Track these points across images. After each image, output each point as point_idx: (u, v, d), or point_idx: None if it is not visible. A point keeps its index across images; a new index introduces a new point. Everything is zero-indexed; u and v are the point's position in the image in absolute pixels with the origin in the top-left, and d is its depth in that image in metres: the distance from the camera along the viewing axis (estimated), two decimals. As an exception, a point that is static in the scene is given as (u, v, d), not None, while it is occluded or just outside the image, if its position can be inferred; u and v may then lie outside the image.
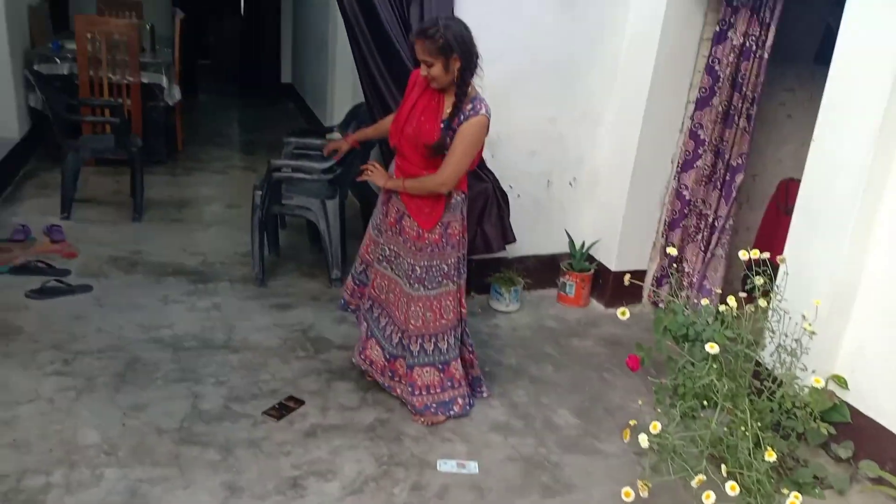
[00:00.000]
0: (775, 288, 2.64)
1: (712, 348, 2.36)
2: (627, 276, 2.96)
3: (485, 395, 3.19)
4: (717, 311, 2.71)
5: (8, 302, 3.62)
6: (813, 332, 2.58)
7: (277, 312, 3.85)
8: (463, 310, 3.04)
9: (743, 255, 2.62)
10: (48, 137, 5.86)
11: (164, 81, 5.89)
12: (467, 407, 3.06)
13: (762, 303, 2.62)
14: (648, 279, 4.25)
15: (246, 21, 9.75)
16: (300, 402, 3.04)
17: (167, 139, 6.25)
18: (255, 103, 9.18)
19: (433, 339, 2.97)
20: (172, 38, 6.79)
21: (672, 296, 4.09)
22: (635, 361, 2.57)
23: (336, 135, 4.94)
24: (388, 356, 3.07)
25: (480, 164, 3.76)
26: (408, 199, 2.85)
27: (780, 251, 3.76)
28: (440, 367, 3.00)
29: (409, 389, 2.99)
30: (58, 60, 5.65)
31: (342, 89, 6.03)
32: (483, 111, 2.70)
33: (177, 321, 3.64)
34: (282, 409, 2.98)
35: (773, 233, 4.17)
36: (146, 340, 3.43)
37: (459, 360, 3.05)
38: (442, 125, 2.72)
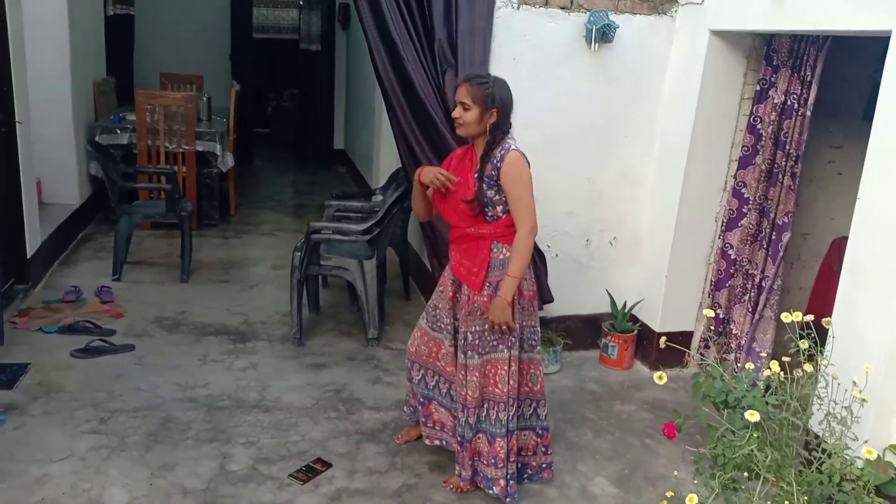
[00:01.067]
0: (822, 352, 2.48)
1: (752, 416, 2.22)
2: (663, 339, 2.83)
3: (545, 478, 3.00)
4: (765, 377, 2.55)
5: (54, 361, 3.71)
6: (864, 400, 2.41)
7: (312, 372, 3.84)
8: (537, 387, 2.91)
9: (786, 317, 2.49)
10: (106, 204, 6.14)
11: (218, 149, 6.11)
12: (508, 494, 2.80)
13: (808, 368, 2.47)
14: (695, 340, 4.09)
15: (302, 92, 10.12)
16: (327, 465, 2.99)
17: (220, 204, 6.44)
18: (308, 168, 9.43)
19: (485, 406, 2.83)
20: (228, 109, 7.09)
21: (717, 359, 3.95)
22: (671, 429, 2.44)
23: (379, 197, 5.01)
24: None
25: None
26: (457, 265, 2.81)
27: (832, 311, 3.59)
28: (490, 438, 2.83)
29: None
30: (118, 131, 5.94)
31: (387, 155, 6.14)
32: (513, 147, 2.70)
33: (213, 380, 3.66)
34: (308, 472, 2.93)
35: (827, 293, 3.97)
36: (181, 399, 3.45)
37: (510, 440, 2.82)
38: (475, 176, 2.71)
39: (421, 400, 3.02)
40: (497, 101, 2.67)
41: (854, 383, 2.48)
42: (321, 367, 3.91)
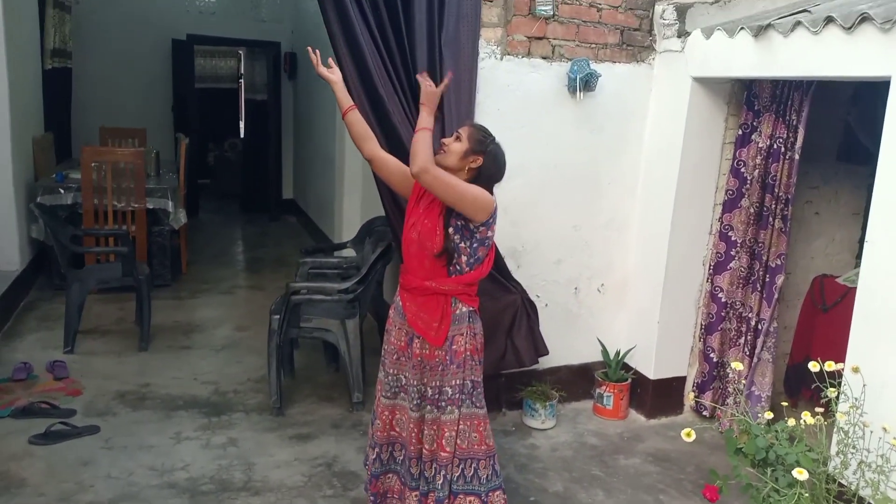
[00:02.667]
0: (853, 400, 2.43)
1: (801, 474, 2.14)
2: (692, 395, 2.75)
3: None
4: (788, 427, 2.48)
5: (11, 450, 3.36)
6: (900, 447, 2.36)
7: (298, 444, 3.59)
8: (478, 447, 2.75)
9: (814, 366, 2.43)
10: (50, 268, 5.74)
11: (170, 206, 5.82)
12: None
13: (840, 417, 2.42)
14: (688, 386, 4.04)
15: (247, 142, 9.89)
16: (335, 552, 2.76)
17: (172, 262, 6.12)
18: (256, 220, 9.16)
19: (473, 465, 2.70)
20: (176, 163, 6.80)
21: (715, 403, 3.91)
22: (714, 492, 2.33)
23: (350, 251, 4.84)
24: (420, 494, 2.75)
25: (507, 274, 3.64)
26: (413, 318, 2.66)
27: (820, 350, 3.59)
28: (483, 497, 2.71)
29: None
30: (62, 191, 5.59)
31: (350, 205, 5.98)
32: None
33: (191, 461, 3.37)
34: (316, 562, 2.69)
35: (811, 331, 4.01)
36: (159, 486, 3.16)
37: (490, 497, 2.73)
38: (443, 215, 2.58)
39: (372, 478, 2.85)
40: (487, 153, 2.61)
41: (885, 430, 2.44)
42: (306, 437, 3.66)
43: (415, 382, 2.69)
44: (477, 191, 2.55)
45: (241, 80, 11.08)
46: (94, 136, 7.23)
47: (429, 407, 2.67)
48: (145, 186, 5.66)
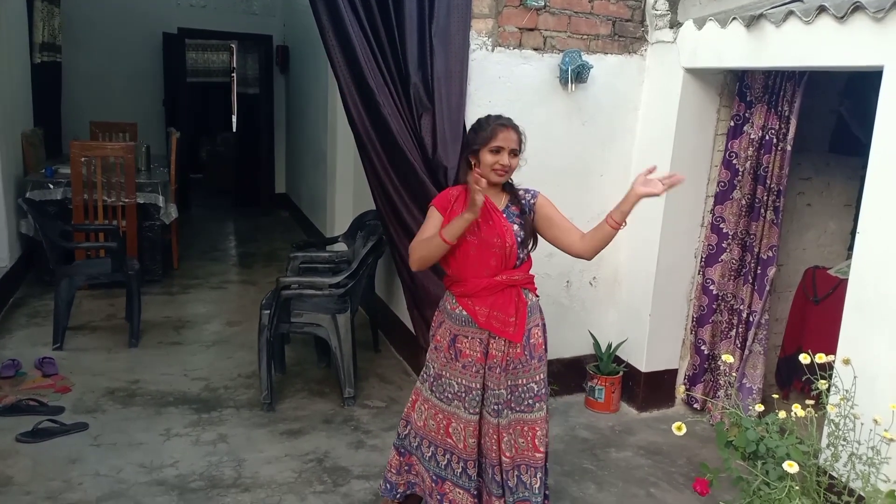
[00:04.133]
0: (844, 392, 2.42)
1: (791, 467, 2.13)
2: (682, 388, 2.73)
3: None
4: (779, 419, 2.47)
5: (-3, 448, 3.33)
6: (892, 439, 2.35)
7: (289, 440, 3.56)
8: (538, 454, 2.65)
9: (805, 358, 2.42)
10: (39, 264, 5.70)
11: (161, 201, 5.78)
12: None
13: (831, 409, 2.40)
14: (680, 378, 4.03)
15: (239, 136, 9.84)
16: (325, 548, 2.74)
17: (163, 257, 6.08)
18: (249, 214, 9.12)
19: (528, 471, 2.60)
20: (167, 157, 6.75)
21: (706, 396, 3.90)
22: (704, 486, 2.32)
23: (342, 245, 4.81)
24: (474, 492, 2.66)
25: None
26: (487, 320, 2.53)
27: (811, 342, 3.57)
28: (474, 492, 2.65)
29: None
30: (51, 186, 5.54)
31: (342, 200, 5.94)
32: (538, 190, 2.70)
33: (180, 458, 3.34)
34: (305, 558, 2.67)
35: (803, 323, 4.01)
36: (148, 483, 3.13)
37: None
38: (504, 216, 2.56)
39: (434, 478, 2.71)
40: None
41: (876, 422, 2.43)
42: (297, 433, 3.64)
43: (499, 388, 2.56)
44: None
45: (234, 74, 11.02)
46: (85, 131, 7.18)
47: (505, 411, 2.57)
48: (136, 181, 5.61)
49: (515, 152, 2.55)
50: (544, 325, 2.68)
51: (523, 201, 2.61)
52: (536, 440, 2.59)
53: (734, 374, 3.59)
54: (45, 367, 4.16)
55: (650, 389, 3.97)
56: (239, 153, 9.62)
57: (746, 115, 3.56)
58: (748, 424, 2.29)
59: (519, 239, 2.55)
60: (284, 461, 3.36)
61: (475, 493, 2.65)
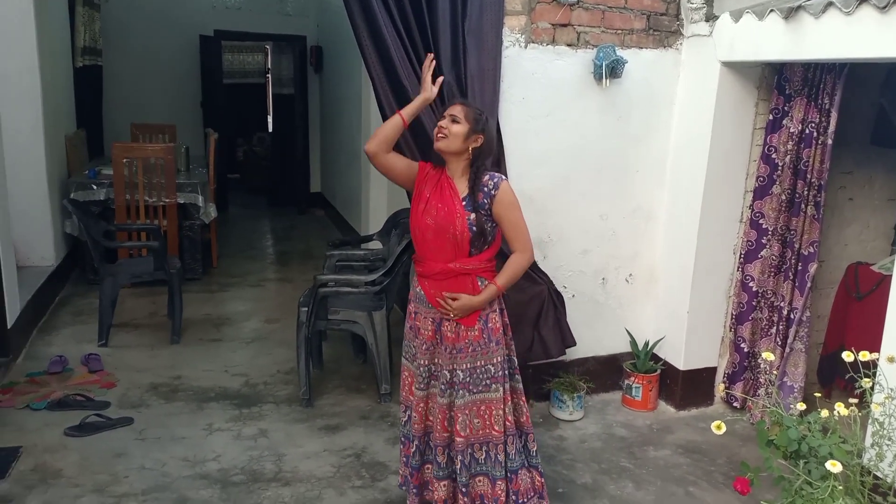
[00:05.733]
0: (888, 391, 2.37)
1: (834, 466, 2.09)
2: (721, 386, 2.70)
3: None
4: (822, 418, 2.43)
5: (47, 442, 3.43)
6: (939, 439, 2.30)
7: (327, 435, 3.61)
8: (523, 419, 2.79)
9: (848, 356, 2.38)
10: (83, 263, 5.85)
11: (200, 200, 5.89)
12: None
13: (875, 408, 2.36)
14: (719, 377, 3.98)
15: (275, 136, 9.96)
16: (364, 542, 2.77)
17: (202, 256, 6.20)
18: (284, 213, 9.23)
19: (483, 448, 2.70)
20: (206, 158, 6.87)
21: (746, 394, 3.85)
22: (745, 485, 2.29)
23: (376, 243, 4.85)
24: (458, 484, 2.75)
25: (533, 265, 3.62)
26: (437, 304, 2.66)
27: (854, 339, 3.50)
28: (491, 480, 2.71)
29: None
30: (94, 187, 5.68)
31: (377, 198, 5.99)
32: (504, 178, 2.65)
33: (222, 452, 3.41)
34: (344, 552, 2.71)
35: (845, 320, 3.93)
36: (192, 476, 3.20)
37: (516, 480, 2.73)
38: (464, 203, 2.60)
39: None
40: (486, 130, 2.62)
41: (923, 421, 2.37)
42: (335, 429, 3.69)
43: (447, 368, 2.67)
44: (517, 204, 2.65)
45: (269, 75, 11.15)
46: (126, 133, 7.35)
47: (461, 391, 2.65)
48: (176, 181, 5.72)
49: (455, 118, 2.58)
50: (502, 309, 2.74)
51: (484, 188, 2.59)
52: (493, 419, 2.67)
53: (775, 371, 3.54)
54: (90, 364, 4.27)
55: (688, 387, 3.93)
56: (274, 153, 9.75)
57: (785, 108, 3.50)
58: (790, 423, 2.26)
59: (472, 230, 2.58)
60: (323, 456, 3.41)
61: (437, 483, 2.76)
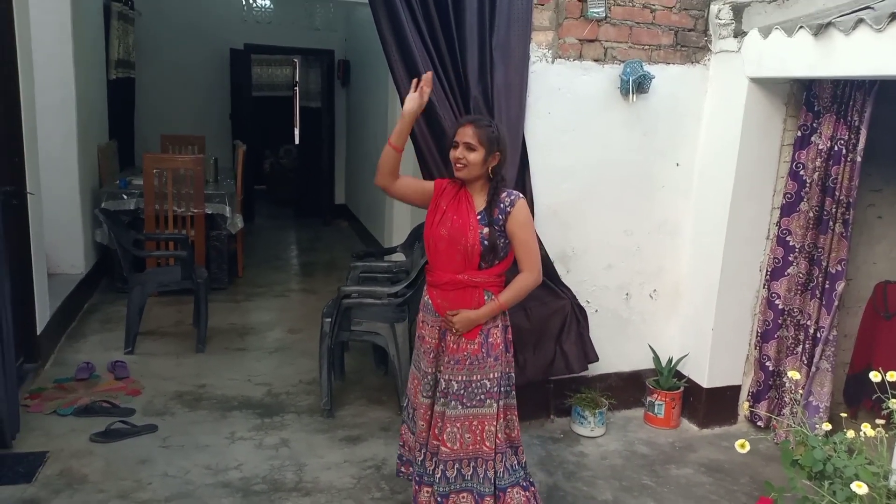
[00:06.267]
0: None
1: (860, 488, 2.06)
2: (746, 405, 2.67)
3: None
4: (847, 439, 2.39)
5: (73, 447, 3.48)
6: (969, 462, 2.25)
7: (348, 447, 3.63)
8: (514, 434, 2.76)
9: (875, 376, 2.34)
10: (112, 271, 5.95)
11: (228, 211, 5.97)
12: None
13: (904, 429, 2.32)
14: (743, 395, 3.93)
15: (301, 149, 10.07)
16: (383, 554, 2.77)
17: (229, 266, 6.27)
18: (309, 225, 9.31)
19: (471, 465, 2.68)
20: (234, 169, 6.97)
21: (771, 413, 3.79)
22: (768, 504, 2.27)
23: (400, 255, 4.87)
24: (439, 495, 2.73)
25: (556, 279, 3.62)
26: (445, 311, 2.67)
27: (882, 358, 3.44)
28: (477, 497, 2.68)
29: None
30: (125, 196, 5.79)
31: (400, 210, 6.02)
32: (521, 196, 2.66)
33: (244, 461, 3.44)
34: (364, 563, 2.71)
35: (873, 339, 3.87)
36: (214, 485, 3.23)
37: (504, 498, 2.70)
38: (479, 217, 2.60)
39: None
40: (502, 144, 2.63)
41: (951, 444, 2.33)
42: (356, 440, 3.70)
43: (444, 377, 2.69)
44: (531, 223, 2.69)
45: (297, 88, 11.29)
46: (156, 144, 7.48)
47: (453, 402, 2.65)
48: (204, 192, 5.81)
49: (470, 146, 2.56)
50: (505, 326, 2.73)
51: (500, 205, 2.60)
52: (485, 434, 2.65)
53: (801, 391, 3.49)
54: (117, 371, 4.34)
55: (712, 405, 3.89)
56: (301, 165, 9.86)
57: (814, 125, 3.47)
58: (815, 443, 2.23)
59: (484, 244, 2.58)
60: (344, 467, 3.42)
61: (418, 479, 2.75)
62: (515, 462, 2.76)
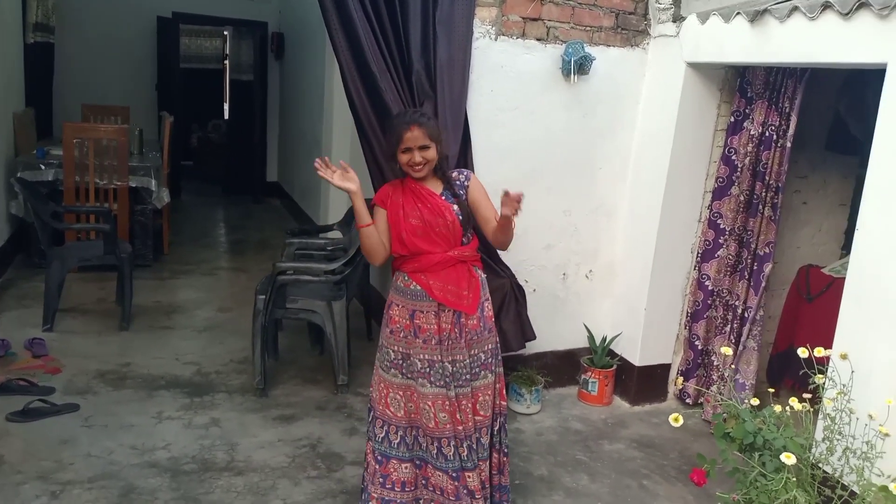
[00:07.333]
0: (840, 386, 2.44)
1: (789, 458, 2.14)
2: (679, 380, 2.74)
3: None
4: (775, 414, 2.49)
5: (-13, 427, 3.29)
6: (888, 434, 2.37)
7: (282, 426, 3.55)
8: (503, 402, 2.79)
9: (803, 352, 2.44)
10: (29, 244, 5.64)
11: (153, 185, 5.73)
12: None
13: (827, 403, 2.42)
14: (673, 373, 4.05)
15: (231, 123, 9.76)
16: (319, 532, 2.73)
17: (154, 243, 6.03)
18: (240, 202, 9.06)
19: (450, 442, 2.64)
20: (160, 142, 6.69)
21: (698, 390, 3.92)
22: (701, 476, 2.33)
23: (336, 233, 4.79)
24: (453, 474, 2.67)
25: (496, 258, 3.62)
26: (441, 293, 2.61)
27: (803, 339, 3.57)
28: (453, 474, 2.65)
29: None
30: (42, 167, 5.47)
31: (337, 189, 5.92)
32: (471, 172, 2.84)
33: (173, 441, 3.33)
34: (300, 542, 2.66)
35: (795, 320, 4.03)
36: (141, 465, 3.11)
37: (484, 466, 2.72)
38: (444, 198, 2.65)
39: (418, 463, 2.72)
40: (440, 131, 2.71)
41: (871, 417, 2.44)
42: (290, 419, 3.63)
43: (447, 360, 2.62)
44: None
45: (227, 62, 10.94)
46: (76, 114, 7.10)
47: (461, 381, 2.65)
48: (128, 164, 5.56)
49: (425, 147, 2.58)
50: (490, 298, 2.78)
51: (457, 182, 2.70)
52: (478, 405, 2.69)
53: (732, 366, 3.61)
54: (34, 348, 4.12)
55: (643, 383, 3.99)
56: (230, 140, 9.56)
57: (747, 111, 3.57)
58: (746, 416, 2.30)
59: (460, 217, 2.64)
60: (278, 446, 3.35)
61: (454, 474, 2.65)
62: (499, 427, 2.80)
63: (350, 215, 4.62)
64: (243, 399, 3.80)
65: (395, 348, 2.67)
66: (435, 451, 2.65)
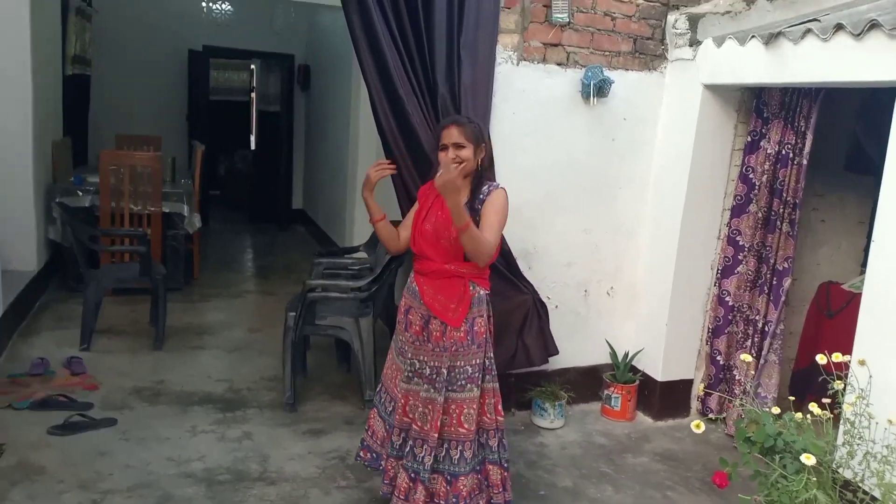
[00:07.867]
0: (859, 391, 2.49)
1: (808, 459, 2.19)
2: (701, 387, 2.80)
3: None
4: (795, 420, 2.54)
5: (30, 440, 3.41)
6: (907, 439, 2.42)
7: (311, 439, 3.64)
8: (500, 417, 2.84)
9: (821, 358, 2.50)
10: (65, 268, 5.82)
11: (185, 210, 5.92)
12: None
13: (847, 408, 2.47)
14: (695, 388, 4.09)
15: (257, 153, 10.01)
16: (351, 538, 2.80)
17: (185, 267, 6.20)
18: (265, 229, 9.25)
19: (444, 446, 2.75)
20: (191, 170, 6.91)
21: (722, 401, 3.95)
22: (723, 478, 2.38)
23: (362, 253, 4.91)
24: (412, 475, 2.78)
25: (518, 275, 3.72)
26: (431, 300, 2.75)
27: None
28: (449, 478, 2.75)
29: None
30: (80, 193, 5.68)
31: (362, 212, 6.05)
32: (500, 186, 2.78)
33: (207, 453, 3.43)
34: (332, 547, 2.74)
35: (817, 336, 4.08)
36: (177, 475, 3.21)
37: (472, 478, 2.76)
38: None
39: (388, 430, 2.93)
40: (485, 137, 2.82)
41: (890, 422, 2.49)
42: (319, 433, 3.72)
43: (430, 364, 2.76)
44: (502, 208, 2.73)
45: (253, 94, 11.24)
46: (111, 143, 7.34)
47: (433, 389, 2.73)
48: (162, 190, 5.75)
49: (459, 145, 2.69)
50: (489, 316, 2.84)
51: (479, 196, 2.73)
52: (462, 417, 2.73)
53: (752, 372, 3.66)
54: (73, 366, 4.26)
55: (666, 398, 4.04)
56: (256, 170, 9.79)
57: (763, 130, 3.66)
58: (766, 420, 2.36)
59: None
60: (308, 458, 3.44)
61: (412, 475, 2.76)
62: (497, 443, 2.83)
63: (376, 237, 4.76)
64: (273, 414, 3.90)
65: (396, 334, 2.92)
66: (404, 447, 2.79)
